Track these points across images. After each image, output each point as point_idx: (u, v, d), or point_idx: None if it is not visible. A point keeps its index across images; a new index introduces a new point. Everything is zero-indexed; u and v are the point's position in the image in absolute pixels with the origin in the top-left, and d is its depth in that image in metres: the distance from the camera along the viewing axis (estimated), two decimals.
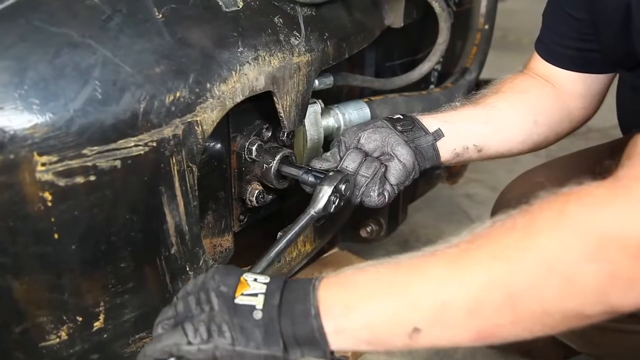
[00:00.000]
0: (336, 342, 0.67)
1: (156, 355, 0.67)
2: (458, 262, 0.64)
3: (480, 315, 0.62)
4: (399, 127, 1.03)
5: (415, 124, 1.04)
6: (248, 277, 0.70)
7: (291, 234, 0.92)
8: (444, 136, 1.03)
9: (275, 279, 0.71)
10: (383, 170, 1.00)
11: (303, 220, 0.94)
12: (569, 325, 0.62)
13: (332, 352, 0.67)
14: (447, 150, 1.04)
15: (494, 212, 1.17)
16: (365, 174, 0.99)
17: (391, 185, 1.00)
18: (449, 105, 1.10)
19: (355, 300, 0.67)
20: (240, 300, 0.68)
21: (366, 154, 1.01)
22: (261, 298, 0.68)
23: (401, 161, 1.00)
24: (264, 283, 0.70)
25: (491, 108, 1.07)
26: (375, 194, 0.99)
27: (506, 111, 1.07)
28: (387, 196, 1.00)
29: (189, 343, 0.66)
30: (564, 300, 0.60)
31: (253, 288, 0.69)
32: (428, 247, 0.69)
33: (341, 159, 1.01)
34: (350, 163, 0.99)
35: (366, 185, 0.98)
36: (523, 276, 0.60)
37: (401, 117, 1.05)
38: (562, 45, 1.06)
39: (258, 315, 0.67)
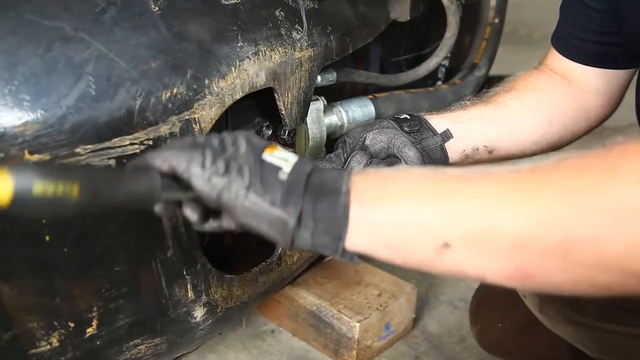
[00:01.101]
0: (355, 233, 0.62)
1: (158, 161, 0.62)
2: (516, 190, 0.59)
3: (526, 252, 0.57)
4: (405, 128, 1.03)
5: (422, 125, 1.03)
6: (279, 146, 0.67)
7: None
8: (452, 137, 1.03)
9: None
10: None
11: None
12: (620, 288, 0.57)
13: (343, 249, 0.62)
14: (456, 151, 1.04)
15: None
16: None
17: None
18: (459, 104, 1.10)
19: (390, 194, 0.62)
20: (268, 157, 0.64)
21: (372, 156, 1.01)
22: (291, 163, 0.64)
23: (408, 163, 1.00)
24: (295, 155, 0.66)
25: (503, 107, 1.07)
26: None
27: (519, 110, 1.07)
28: None
29: (203, 166, 0.61)
30: (630, 258, 0.55)
31: (284, 154, 0.65)
32: (481, 166, 0.63)
33: (346, 160, 1.01)
34: (356, 165, 0.99)
35: None
36: (588, 224, 0.55)
37: (408, 117, 1.05)
38: (580, 39, 1.06)
39: (283, 176, 0.63)
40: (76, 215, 0.65)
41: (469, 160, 1.06)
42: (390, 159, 1.02)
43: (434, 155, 1.03)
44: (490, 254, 0.58)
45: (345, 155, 1.02)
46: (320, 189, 0.63)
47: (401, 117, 1.05)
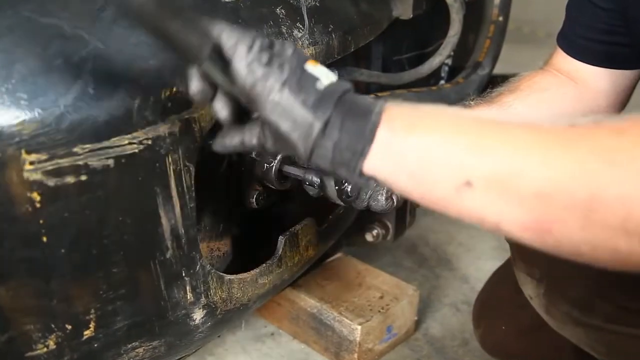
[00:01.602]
0: (378, 155, 0.62)
1: (213, 30, 0.63)
2: (550, 140, 0.58)
3: (549, 202, 0.56)
4: None
5: None
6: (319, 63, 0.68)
7: None
8: None
9: None
10: None
11: None
12: (638, 259, 0.56)
13: (360, 171, 0.62)
14: None
15: None
16: None
17: None
18: (462, 104, 1.10)
19: (421, 124, 0.61)
20: (309, 67, 0.65)
21: None
22: (330, 78, 0.65)
23: None
24: (336, 75, 0.67)
25: (507, 108, 1.07)
26: (384, 198, 0.98)
27: (523, 111, 1.07)
28: (395, 200, 1.00)
29: (249, 49, 0.63)
30: None
31: (326, 71, 0.66)
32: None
33: None
34: None
35: (374, 188, 0.98)
36: (619, 184, 0.54)
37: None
38: (586, 38, 1.06)
39: (320, 86, 0.63)
40: (133, 18, 0.64)
41: None
42: None
43: None
44: (511, 199, 0.57)
45: None
46: (353, 106, 0.63)
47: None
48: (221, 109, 0.68)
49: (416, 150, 0.60)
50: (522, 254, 1.08)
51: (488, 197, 0.57)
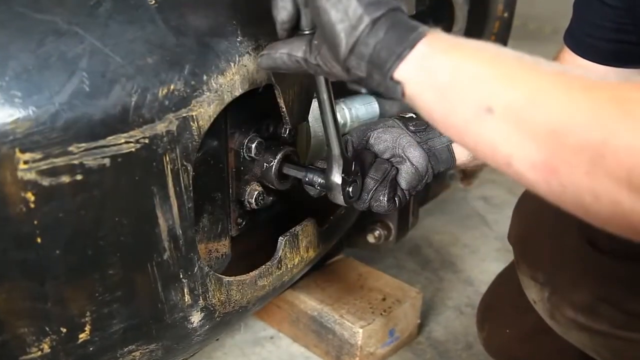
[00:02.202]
0: (412, 64, 0.66)
1: None
2: (574, 85, 0.59)
3: (561, 140, 0.58)
4: (411, 127, 1.02)
5: (429, 124, 1.03)
6: None
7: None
8: None
9: None
10: (394, 173, 0.99)
11: None
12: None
13: (392, 76, 0.67)
14: (463, 152, 1.04)
15: (515, 218, 1.17)
16: (375, 177, 0.98)
17: (402, 190, 1.00)
18: None
19: (459, 48, 0.66)
20: None
21: (375, 156, 1.01)
22: None
23: (413, 164, 0.99)
24: None
25: None
26: (385, 199, 0.98)
27: None
28: (397, 202, 1.00)
29: None
30: None
31: None
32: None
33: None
34: (357, 166, 0.99)
35: (375, 189, 0.98)
36: (631, 134, 0.55)
37: (414, 115, 1.05)
38: (594, 37, 1.06)
39: None
40: None
41: (478, 162, 1.06)
42: (394, 158, 1.01)
43: (441, 155, 1.02)
44: (527, 132, 0.59)
45: (348, 154, 1.02)
46: (402, 19, 0.69)
47: (407, 115, 1.05)
48: (282, 8, 0.75)
49: (448, 70, 0.64)
50: (525, 258, 1.08)
51: (505, 127, 0.60)
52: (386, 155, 1.02)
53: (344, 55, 0.70)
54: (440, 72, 0.65)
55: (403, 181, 1.00)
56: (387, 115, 1.32)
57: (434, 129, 1.03)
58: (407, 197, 1.01)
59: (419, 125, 1.03)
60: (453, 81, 0.64)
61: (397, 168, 1.00)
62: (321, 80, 0.89)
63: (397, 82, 0.67)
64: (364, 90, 0.75)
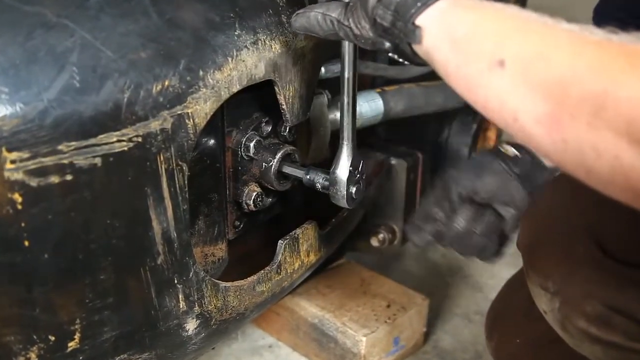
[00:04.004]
0: (435, 15, 0.72)
1: None
2: (586, 39, 0.62)
3: (565, 92, 0.61)
4: (516, 170, 1.04)
5: (532, 160, 1.04)
6: None
7: None
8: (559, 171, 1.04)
9: None
10: (500, 222, 1.01)
11: None
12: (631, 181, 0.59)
13: (414, 22, 0.73)
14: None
15: (524, 225, 1.17)
16: (483, 234, 1.01)
17: (508, 237, 1.01)
18: None
19: (480, 8, 0.70)
20: None
21: (479, 205, 1.03)
22: None
23: (519, 209, 1.01)
24: None
25: None
26: (493, 253, 1.01)
27: None
28: (503, 251, 1.03)
29: None
30: None
31: None
32: None
33: (451, 211, 1.02)
34: (464, 223, 1.00)
35: (483, 245, 1.01)
36: (632, 85, 0.57)
37: (517, 153, 1.06)
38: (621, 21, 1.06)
39: None
40: None
41: None
42: (498, 204, 1.02)
43: (540, 190, 1.04)
44: (533, 85, 0.63)
45: (452, 204, 1.02)
46: None
47: (510, 153, 1.06)
48: None
49: (467, 24, 0.70)
50: (535, 266, 1.08)
51: (514, 80, 0.64)
52: (492, 202, 1.03)
53: (372, 5, 0.77)
54: (460, 25, 0.70)
55: (509, 228, 1.01)
56: (391, 112, 1.32)
57: (537, 165, 1.04)
58: (510, 240, 1.03)
59: (523, 165, 1.04)
60: (470, 34, 0.69)
61: (502, 216, 1.02)
62: (349, 54, 0.95)
63: (418, 27, 0.73)
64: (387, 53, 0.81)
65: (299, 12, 0.89)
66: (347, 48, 0.94)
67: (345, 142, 0.99)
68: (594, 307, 0.97)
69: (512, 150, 1.06)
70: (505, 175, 1.03)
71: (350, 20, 0.82)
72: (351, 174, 0.99)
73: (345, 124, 0.98)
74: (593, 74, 0.59)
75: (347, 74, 0.95)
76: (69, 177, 0.75)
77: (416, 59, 0.79)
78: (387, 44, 0.80)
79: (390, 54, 0.82)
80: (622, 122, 0.57)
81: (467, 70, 0.69)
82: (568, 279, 1.02)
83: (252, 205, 1.06)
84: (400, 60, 0.82)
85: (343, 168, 0.98)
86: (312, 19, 0.87)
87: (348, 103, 0.97)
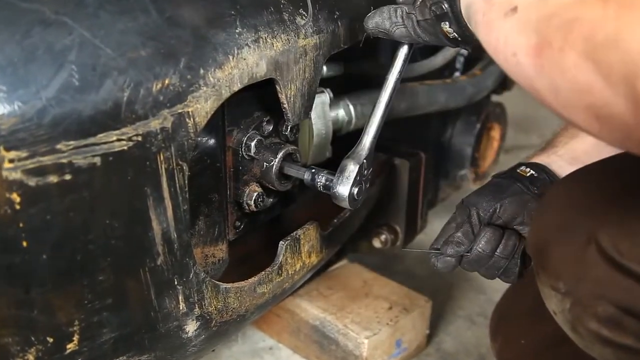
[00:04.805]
0: None
1: None
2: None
3: (549, 24, 0.67)
4: (535, 190, 1.06)
5: (548, 177, 1.08)
6: None
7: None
8: None
9: None
10: (521, 244, 1.04)
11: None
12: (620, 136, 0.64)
13: None
14: None
15: (533, 227, 1.16)
16: (505, 256, 1.04)
17: (529, 257, 1.03)
18: (566, 131, 1.14)
19: None
20: None
21: (500, 227, 1.05)
22: None
23: None
24: None
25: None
26: (516, 273, 1.05)
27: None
28: (524, 271, 1.06)
29: None
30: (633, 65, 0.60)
31: None
32: None
33: (474, 237, 1.05)
34: (486, 245, 1.03)
35: (506, 267, 1.04)
36: (594, 10, 0.63)
37: (534, 173, 1.08)
38: None
39: None
40: None
41: None
42: (519, 225, 1.06)
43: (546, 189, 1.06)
44: (532, 23, 0.70)
45: (474, 230, 1.05)
46: None
47: (526, 173, 1.07)
48: None
49: None
50: (545, 267, 1.08)
51: (519, 22, 0.72)
52: (513, 223, 1.06)
53: None
54: None
55: None
56: (393, 112, 1.32)
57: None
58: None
59: (540, 184, 1.07)
60: None
61: (523, 236, 1.05)
62: (401, 56, 1.03)
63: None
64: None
65: (370, 14, 0.99)
66: (401, 50, 1.02)
67: (366, 141, 1.03)
68: (605, 308, 0.96)
69: (528, 171, 1.08)
70: (525, 196, 1.06)
71: (417, 9, 0.93)
72: (359, 172, 1.00)
73: (373, 121, 1.03)
74: (573, 6, 0.66)
75: (394, 76, 1.01)
76: (67, 177, 0.75)
77: (466, 32, 0.89)
78: (444, 23, 0.90)
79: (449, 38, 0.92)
80: (580, 39, 0.63)
81: (490, 16, 0.78)
82: (579, 279, 1.02)
83: (252, 205, 1.06)
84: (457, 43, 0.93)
85: (351, 164, 1.00)
86: (385, 11, 0.97)
87: (383, 101, 1.03)
